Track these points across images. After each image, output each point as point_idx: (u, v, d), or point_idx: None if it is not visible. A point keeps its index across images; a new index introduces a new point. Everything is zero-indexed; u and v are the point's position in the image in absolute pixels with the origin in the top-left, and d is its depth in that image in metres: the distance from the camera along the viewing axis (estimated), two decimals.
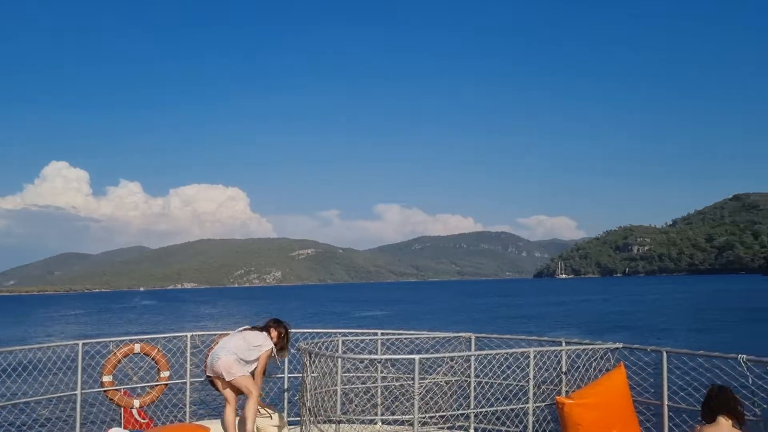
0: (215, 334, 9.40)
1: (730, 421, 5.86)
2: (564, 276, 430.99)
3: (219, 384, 8.26)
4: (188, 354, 9.25)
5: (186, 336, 9.31)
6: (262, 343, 8.34)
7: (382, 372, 8.96)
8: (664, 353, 7.21)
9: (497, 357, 7.75)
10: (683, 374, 7.53)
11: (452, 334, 9.51)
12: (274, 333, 8.52)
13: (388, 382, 8.75)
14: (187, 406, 9.27)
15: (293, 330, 9.17)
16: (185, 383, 9.31)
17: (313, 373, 7.46)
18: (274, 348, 8.45)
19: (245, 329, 8.64)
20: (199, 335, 9.45)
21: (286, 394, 9.58)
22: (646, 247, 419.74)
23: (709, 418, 5.97)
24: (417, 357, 6.59)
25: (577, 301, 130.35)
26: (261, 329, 8.58)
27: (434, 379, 7.81)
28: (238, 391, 8.24)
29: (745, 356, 6.42)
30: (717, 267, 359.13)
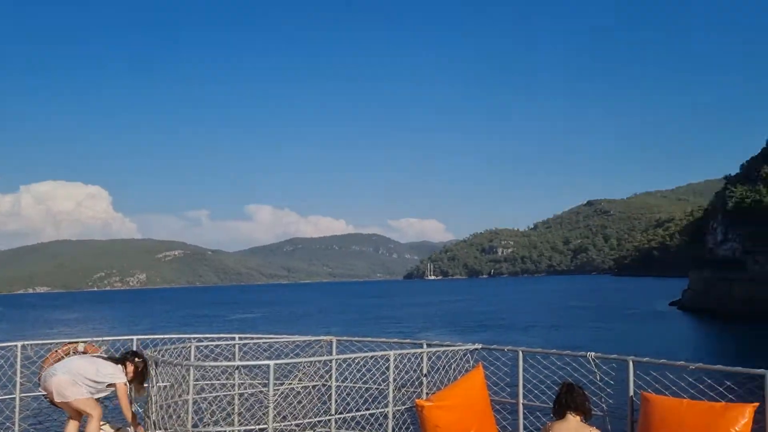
0: (52, 344, 8.53)
1: (578, 417, 6.02)
2: (433, 277, 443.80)
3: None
4: (18, 366, 8.31)
5: (16, 346, 8.37)
6: (113, 374, 7.70)
7: (240, 379, 8.51)
8: (520, 353, 7.34)
9: (357, 361, 7.56)
10: (537, 372, 7.72)
11: (313, 338, 9.23)
12: (129, 367, 7.85)
13: (244, 389, 8.32)
14: (16, 425, 8.32)
15: (145, 336, 8.52)
16: (14, 399, 8.36)
17: (160, 383, 6.93)
18: (127, 384, 7.80)
19: (99, 356, 8.03)
20: (31, 345, 8.52)
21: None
22: (509, 250, 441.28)
23: (559, 414, 6.12)
24: (272, 363, 6.29)
25: (445, 301, 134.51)
26: (116, 361, 7.91)
27: (291, 384, 7.50)
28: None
29: (593, 354, 6.63)
30: (573, 268, 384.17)
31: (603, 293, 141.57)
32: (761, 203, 71.36)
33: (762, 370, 5.43)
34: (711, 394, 6.06)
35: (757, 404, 5.44)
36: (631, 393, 6.29)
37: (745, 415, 5.43)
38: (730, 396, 5.91)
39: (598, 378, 6.64)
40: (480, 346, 7.89)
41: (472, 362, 7.75)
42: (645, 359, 6.39)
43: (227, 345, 9.08)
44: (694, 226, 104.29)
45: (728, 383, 6.04)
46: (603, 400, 6.62)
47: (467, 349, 7.85)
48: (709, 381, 6.18)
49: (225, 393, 8.37)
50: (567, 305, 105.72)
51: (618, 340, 54.51)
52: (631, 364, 6.32)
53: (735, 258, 77.41)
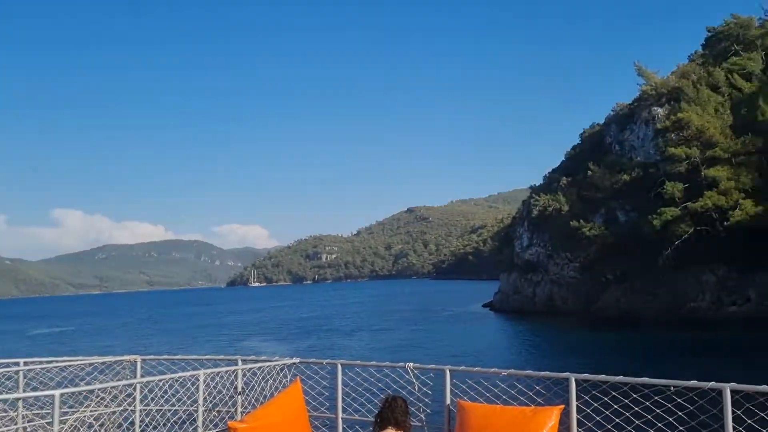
0: None
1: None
2: (257, 284, 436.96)
3: None
4: None
5: None
6: None
7: (24, 412, 7.40)
8: (339, 365, 7.11)
9: (161, 383, 6.85)
10: (357, 385, 7.55)
11: (114, 358, 8.30)
12: None
13: (28, 423, 7.25)
14: None
15: None
16: None
17: None
18: None
19: None
20: None
21: None
22: (333, 255, 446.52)
23: (380, 428, 5.96)
24: (57, 393, 5.46)
25: (269, 308, 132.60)
26: None
27: (84, 413, 6.64)
28: None
29: (412, 364, 6.58)
30: (394, 272, 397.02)
31: (422, 296, 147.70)
32: (560, 211, 78.37)
33: (567, 373, 5.64)
34: (522, 398, 6.22)
35: (562, 406, 5.63)
36: (448, 401, 6.30)
37: (552, 417, 5.60)
38: (539, 400, 6.10)
39: (417, 388, 6.60)
40: (298, 360, 7.55)
41: (290, 377, 7.40)
42: (461, 368, 6.44)
43: (6, 372, 7.86)
44: (503, 232, 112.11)
45: (537, 387, 6.26)
46: (422, 410, 6.58)
47: (284, 364, 7.47)
48: (520, 386, 6.36)
49: (5, 429, 7.24)
50: (389, 309, 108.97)
51: (436, 341, 57.02)
52: (447, 373, 6.34)
53: (538, 261, 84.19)
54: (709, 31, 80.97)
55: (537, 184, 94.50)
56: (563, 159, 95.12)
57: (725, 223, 57.44)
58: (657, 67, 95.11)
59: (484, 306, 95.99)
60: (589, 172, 76.35)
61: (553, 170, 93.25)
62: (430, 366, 6.60)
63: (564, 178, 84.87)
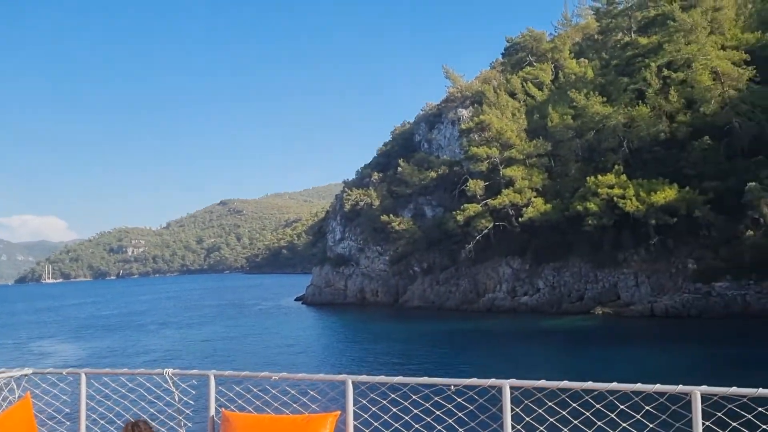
0: None
1: None
2: (52, 280, 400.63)
3: None
4: None
5: None
6: None
7: None
8: (83, 375, 5.92)
9: None
10: (106, 398, 6.41)
11: None
12: None
13: None
14: None
15: None
16: None
17: None
18: None
19: None
20: None
21: None
22: (141, 249, 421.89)
23: None
24: None
25: (66, 306, 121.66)
26: None
27: None
28: None
29: (171, 370, 5.61)
30: (206, 267, 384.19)
31: (235, 290, 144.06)
32: (372, 206, 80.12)
33: (343, 375, 5.03)
34: (296, 405, 5.53)
35: (338, 413, 5.02)
36: (213, 412, 5.44)
37: (325, 425, 4.97)
38: (314, 406, 5.46)
39: (177, 398, 5.65)
40: (30, 371, 6.22)
41: (18, 392, 6.06)
42: (227, 373, 5.58)
43: None
44: (317, 226, 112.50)
45: (312, 392, 5.63)
46: (182, 423, 5.65)
47: (11, 377, 6.11)
48: (293, 392, 5.68)
49: None
50: (201, 304, 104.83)
51: (246, 335, 55.49)
52: (212, 379, 5.47)
53: (350, 255, 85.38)
54: (508, 41, 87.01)
55: (350, 179, 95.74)
56: (375, 155, 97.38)
57: (520, 219, 61.92)
58: (465, 71, 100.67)
59: (297, 299, 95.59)
60: (399, 169, 78.77)
61: (366, 166, 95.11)
62: (192, 372, 5.68)
63: (375, 173, 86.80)
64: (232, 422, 5.19)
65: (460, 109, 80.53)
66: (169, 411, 5.64)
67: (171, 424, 5.54)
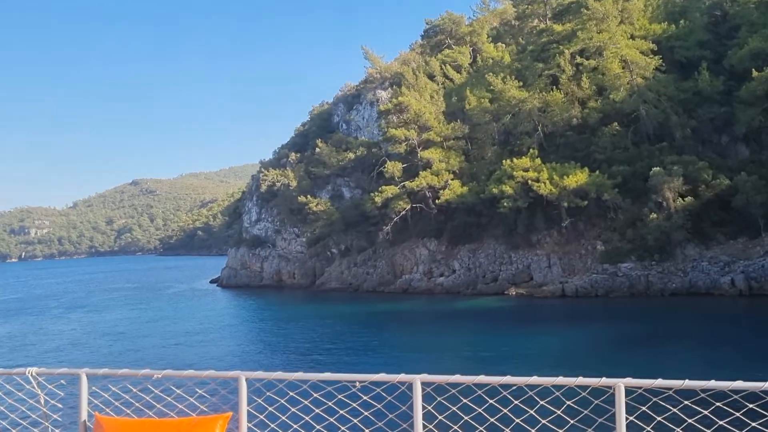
0: None
1: None
2: None
3: None
4: None
5: None
6: None
7: None
8: None
9: None
10: None
11: None
12: None
13: None
14: None
15: None
16: None
17: None
18: None
19: None
20: None
21: None
22: (45, 230, 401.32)
23: None
24: None
25: None
26: None
27: None
28: None
29: (34, 369, 4.83)
30: (117, 249, 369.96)
31: (148, 273, 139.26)
32: (289, 186, 78.74)
33: (236, 372, 4.43)
34: (182, 406, 4.88)
35: (230, 414, 4.42)
36: (84, 417, 4.71)
37: (215, 429, 4.36)
38: (202, 407, 4.83)
39: (42, 401, 4.88)
40: None
41: None
42: (101, 371, 4.84)
43: None
44: (233, 207, 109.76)
45: (201, 390, 5.01)
46: (49, 431, 4.89)
47: None
48: (178, 391, 5.03)
49: None
50: (110, 287, 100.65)
51: (154, 320, 53.54)
52: (83, 378, 4.73)
53: (267, 236, 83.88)
54: (427, 23, 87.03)
55: (267, 159, 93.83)
56: (293, 135, 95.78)
57: (436, 201, 62.32)
58: (384, 52, 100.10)
59: (212, 282, 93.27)
60: (317, 149, 77.75)
61: (283, 146, 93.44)
62: (60, 371, 4.91)
63: (293, 153, 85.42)
64: (107, 428, 4.50)
65: (379, 91, 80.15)
66: (33, 416, 4.89)
67: (35, 430, 4.80)
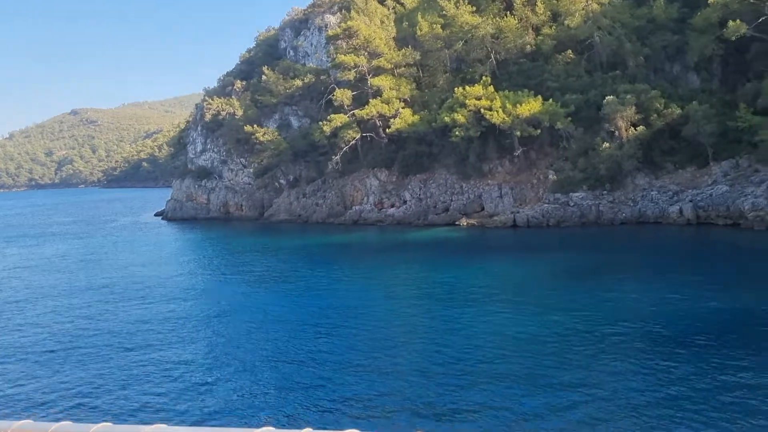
0: None
1: None
2: None
3: None
4: None
5: None
6: None
7: None
8: None
9: None
10: None
11: None
12: None
13: None
14: None
15: None
16: None
17: None
18: None
19: None
20: None
21: None
22: None
23: None
24: None
25: None
26: None
27: None
28: None
29: None
30: (58, 181, 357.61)
31: (90, 206, 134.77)
32: (235, 116, 75.73)
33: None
34: None
35: None
36: None
37: None
38: None
39: None
40: None
41: None
42: None
43: None
44: (178, 138, 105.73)
45: None
46: None
47: None
48: None
49: None
50: (51, 221, 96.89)
51: (97, 253, 51.51)
52: None
53: (213, 167, 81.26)
54: None
55: (211, 87, 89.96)
56: (238, 62, 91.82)
57: (387, 130, 60.78)
58: None
59: (157, 215, 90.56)
60: (264, 77, 74.68)
61: (228, 74, 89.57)
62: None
63: (238, 81, 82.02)
64: None
65: (328, 15, 76.83)
66: None
67: None
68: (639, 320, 23.48)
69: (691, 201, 44.02)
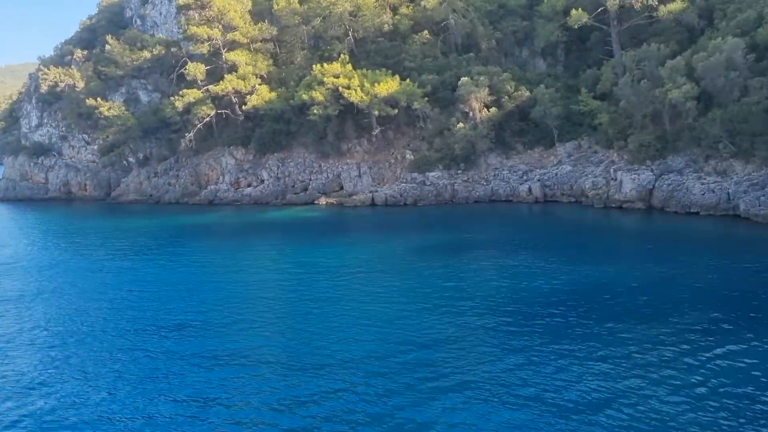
0: None
1: None
2: None
3: None
4: None
5: None
6: None
7: None
8: None
9: None
10: None
11: None
12: None
13: None
14: None
15: None
16: None
17: None
18: None
19: None
20: None
21: None
22: None
23: None
24: None
25: None
26: None
27: None
28: None
29: None
30: None
31: None
32: (75, 88, 69.89)
33: None
34: None
35: None
36: None
37: None
38: None
39: None
40: None
41: None
42: None
43: None
44: (10, 111, 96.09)
45: None
46: None
47: None
48: None
49: None
50: None
51: None
52: None
53: (51, 144, 74.82)
54: None
55: (47, 56, 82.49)
56: (78, 30, 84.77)
57: (243, 107, 58.76)
58: None
59: None
60: (107, 47, 69.49)
61: (66, 42, 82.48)
62: None
63: (79, 51, 75.78)
64: None
65: None
66: None
67: None
68: (488, 296, 24.19)
69: (539, 180, 46.27)
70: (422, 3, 57.94)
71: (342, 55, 56.77)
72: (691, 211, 37.12)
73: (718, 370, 16.45)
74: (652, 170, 40.88)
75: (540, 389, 16.05)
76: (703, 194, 37.26)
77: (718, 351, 17.62)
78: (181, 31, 64.21)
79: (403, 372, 17.55)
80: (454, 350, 18.97)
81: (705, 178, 38.49)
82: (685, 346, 18.09)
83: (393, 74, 53.59)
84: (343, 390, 16.67)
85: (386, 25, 58.78)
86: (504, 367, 17.52)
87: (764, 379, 15.81)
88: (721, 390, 15.41)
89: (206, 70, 60.78)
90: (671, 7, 46.89)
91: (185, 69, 60.95)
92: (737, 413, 14.28)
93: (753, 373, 16.21)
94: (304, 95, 53.92)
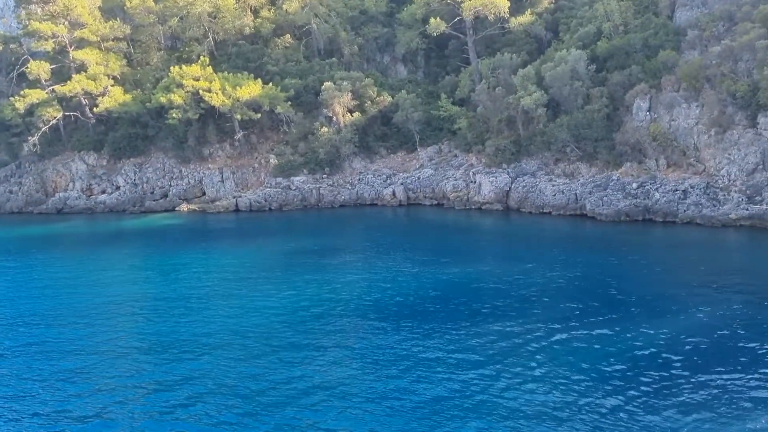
0: None
1: None
2: None
3: None
4: None
5: None
6: None
7: None
8: None
9: None
10: None
11: None
12: None
13: None
14: None
15: None
16: None
17: None
18: None
19: None
20: None
21: None
22: None
23: None
24: None
25: None
26: None
27: None
28: None
29: None
30: None
31: None
32: None
33: None
34: None
35: None
36: None
37: None
38: None
39: None
40: None
41: None
42: None
43: None
44: None
45: None
46: None
47: None
48: None
49: None
50: None
51: None
52: None
53: None
54: None
55: None
56: None
57: (95, 109, 55.35)
58: None
59: None
60: None
61: None
62: None
63: None
64: None
65: None
66: None
67: None
68: (354, 299, 24.30)
69: (402, 184, 47.20)
70: (284, 7, 57.41)
71: (202, 57, 54.99)
72: (545, 211, 39.43)
73: (580, 353, 17.50)
74: (508, 173, 42.96)
75: (405, 385, 16.26)
76: (554, 195, 39.67)
77: (580, 334, 18.82)
78: (21, 26, 59.38)
79: (268, 375, 17.16)
80: (318, 354, 18.82)
81: (555, 180, 41.00)
82: (542, 334, 19.09)
83: (255, 78, 52.64)
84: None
85: (247, 27, 57.66)
86: (365, 366, 17.60)
87: (618, 357, 17.05)
88: (584, 367, 16.39)
89: (51, 69, 56.59)
90: (521, 19, 49.76)
91: (27, 67, 56.40)
92: (594, 388, 15.23)
93: (609, 349, 17.47)
94: (161, 98, 51.65)
